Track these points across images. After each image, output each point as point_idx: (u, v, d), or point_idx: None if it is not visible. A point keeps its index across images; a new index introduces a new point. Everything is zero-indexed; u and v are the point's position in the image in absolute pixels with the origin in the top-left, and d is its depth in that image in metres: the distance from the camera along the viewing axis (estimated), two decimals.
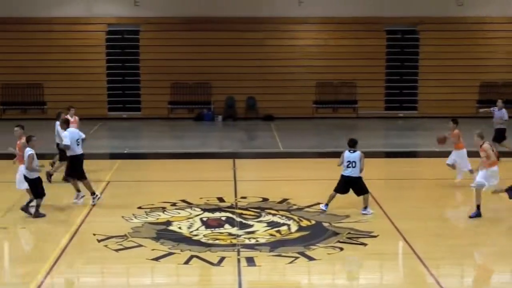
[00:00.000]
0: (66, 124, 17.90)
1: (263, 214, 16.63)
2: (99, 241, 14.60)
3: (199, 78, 32.82)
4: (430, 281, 12.55)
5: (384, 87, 33.80)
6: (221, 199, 17.93)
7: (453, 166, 19.52)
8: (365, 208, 16.55)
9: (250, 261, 13.43)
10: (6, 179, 20.23)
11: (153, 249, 14.07)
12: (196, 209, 17.05)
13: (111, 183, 19.98)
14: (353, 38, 33.16)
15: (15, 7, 31.97)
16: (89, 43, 32.46)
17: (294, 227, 15.62)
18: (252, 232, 15.24)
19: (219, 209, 17.06)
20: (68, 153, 17.78)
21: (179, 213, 16.64)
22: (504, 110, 23.14)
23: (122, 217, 16.32)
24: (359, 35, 33.13)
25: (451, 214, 17.35)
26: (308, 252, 13.88)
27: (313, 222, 16.01)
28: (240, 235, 15.05)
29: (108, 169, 22.21)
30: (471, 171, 18.83)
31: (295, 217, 16.32)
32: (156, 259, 13.55)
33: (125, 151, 25.09)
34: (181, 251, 13.97)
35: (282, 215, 16.50)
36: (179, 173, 21.65)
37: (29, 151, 16.12)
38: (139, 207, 17.12)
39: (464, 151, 19.13)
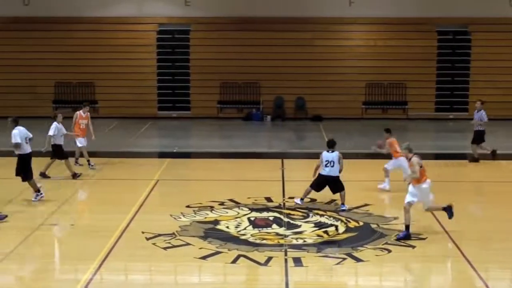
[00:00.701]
0: (15, 123, 17.57)
1: (310, 214, 16.61)
2: (147, 239, 14.73)
3: (248, 78, 32.90)
4: (479, 285, 12.40)
5: (435, 89, 33.47)
6: (269, 199, 17.95)
7: (385, 171, 18.98)
8: (343, 204, 16.99)
9: (297, 261, 13.43)
10: (61, 176, 20.56)
11: (200, 248, 14.15)
12: (244, 208, 17.09)
13: (160, 182, 20.14)
14: (403, 39, 32.91)
15: (69, 6, 32.39)
16: (140, 42, 32.75)
17: (341, 228, 15.57)
18: (300, 233, 15.23)
19: (267, 209, 17.09)
20: (18, 152, 17.66)
21: (227, 212, 16.71)
22: (483, 112, 22.84)
23: (171, 215, 16.44)
24: (410, 35, 32.88)
25: (502, 217, 17.09)
26: (355, 254, 13.83)
27: (361, 223, 15.94)
28: (288, 235, 15.05)
29: (157, 167, 22.39)
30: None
31: (343, 218, 16.27)
32: (204, 257, 13.62)
33: (174, 150, 25.25)
34: (229, 250, 14.02)
35: (330, 216, 16.46)
36: (227, 173, 21.73)
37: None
38: (188, 206, 17.23)
39: (401, 159, 18.10)
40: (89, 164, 21.43)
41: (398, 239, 14.52)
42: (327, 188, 17.06)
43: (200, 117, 32.56)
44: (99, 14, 32.58)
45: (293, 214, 16.60)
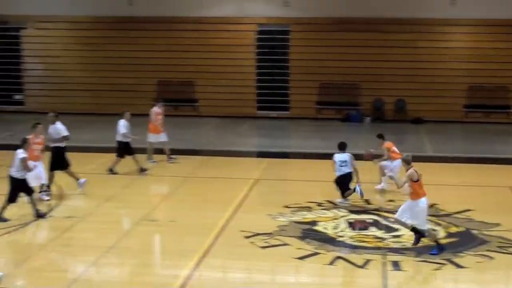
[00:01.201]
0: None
1: None
2: (246, 237, 14.83)
3: (348, 79, 32.71)
4: None
5: None
6: (367, 201, 17.81)
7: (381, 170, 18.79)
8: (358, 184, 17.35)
9: (396, 265, 13.27)
10: (162, 173, 20.97)
11: (298, 248, 14.16)
12: (342, 210, 17.01)
13: (259, 181, 20.25)
14: (507, 41, 32.07)
15: (172, 7, 32.95)
16: (240, 42, 33.02)
17: (441, 233, 15.29)
18: (398, 236, 15.05)
19: (366, 211, 16.96)
20: (61, 144, 18.31)
21: (325, 214, 16.66)
22: None
23: (269, 215, 16.51)
24: None
25: None
26: (455, 259, 13.56)
27: (462, 229, 15.62)
28: (386, 239, 14.90)
29: (256, 167, 22.53)
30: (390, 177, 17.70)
31: (443, 223, 15.98)
32: (301, 258, 13.62)
33: (273, 150, 25.35)
34: (326, 251, 13.98)
35: (430, 220, 16.18)
36: (325, 173, 21.55)
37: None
38: (286, 206, 17.27)
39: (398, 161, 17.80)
40: (169, 158, 22.19)
41: (432, 254, 13.74)
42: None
43: (299, 118, 32.57)
44: (201, 14, 33.00)
45: (392, 218, 16.40)
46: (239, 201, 17.79)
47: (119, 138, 20.58)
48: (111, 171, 20.53)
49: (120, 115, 20.80)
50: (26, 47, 33.54)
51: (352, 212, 16.83)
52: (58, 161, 18.28)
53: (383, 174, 18.62)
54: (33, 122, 17.97)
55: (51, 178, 18.26)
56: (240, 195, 18.44)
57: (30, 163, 16.04)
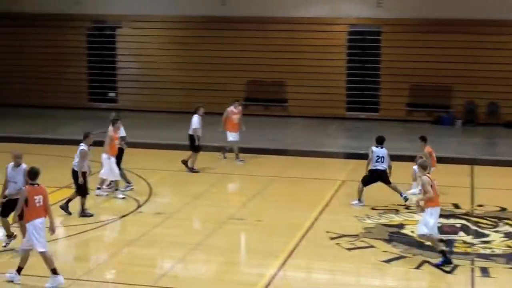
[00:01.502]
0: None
1: (500, 224, 16.04)
2: (331, 238, 14.81)
3: (440, 81, 32.18)
4: None
5: None
6: (456, 206, 17.52)
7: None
8: (402, 193, 17.55)
9: (484, 271, 13.01)
10: (250, 173, 21.11)
11: (384, 251, 14.05)
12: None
13: (345, 182, 20.16)
14: None
15: (265, 7, 33.12)
16: (330, 43, 32.91)
17: None
18: (488, 242, 14.75)
19: (454, 216, 16.68)
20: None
21: (412, 217, 16.45)
22: None
23: (355, 216, 16.44)
24: None
25: None
26: None
27: None
28: (475, 244, 14.62)
29: (343, 168, 22.45)
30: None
31: None
32: (387, 261, 13.51)
33: (361, 152, 25.15)
34: (413, 255, 13.82)
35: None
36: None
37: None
38: (373, 208, 17.15)
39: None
40: (237, 158, 22.29)
41: (437, 266, 13.19)
42: None
43: (388, 119, 32.23)
44: (293, 14, 33.04)
45: (482, 223, 16.10)
46: (325, 202, 17.78)
47: (190, 132, 20.93)
48: (192, 169, 20.81)
49: (195, 111, 21.06)
50: (120, 46, 34.29)
51: (440, 216, 16.56)
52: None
53: (415, 179, 18.24)
54: (113, 118, 18.44)
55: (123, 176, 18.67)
56: (327, 196, 18.42)
57: (86, 162, 16.23)
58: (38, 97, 33.86)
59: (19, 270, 12.30)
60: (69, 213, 16.25)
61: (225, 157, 22.59)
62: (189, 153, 21.16)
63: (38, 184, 12.38)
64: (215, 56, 32.97)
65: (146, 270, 13.06)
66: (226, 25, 33.26)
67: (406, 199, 17.50)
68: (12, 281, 12.23)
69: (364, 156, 24.47)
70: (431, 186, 13.39)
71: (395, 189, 17.65)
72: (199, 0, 33.71)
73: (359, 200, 17.53)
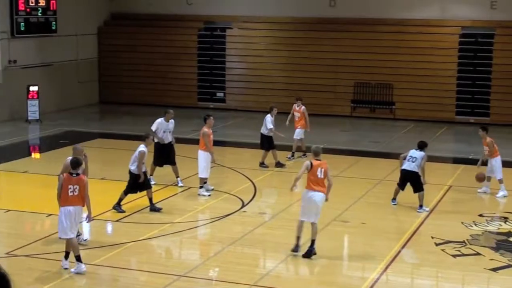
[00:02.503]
0: None
1: None
2: (436, 244, 14.57)
3: None
4: None
5: None
6: None
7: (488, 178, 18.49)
8: (420, 206, 17.04)
9: None
10: (354, 175, 20.98)
11: (491, 259, 13.72)
12: None
13: (452, 188, 19.79)
14: None
15: (375, 8, 32.88)
16: (441, 45, 32.32)
17: None
18: None
19: None
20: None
21: None
22: None
23: (462, 223, 16.11)
24: None
25: None
26: None
27: None
28: None
29: (451, 173, 22.02)
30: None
31: None
32: (494, 269, 13.19)
33: (470, 157, 24.63)
34: None
35: None
36: None
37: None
38: (480, 215, 16.77)
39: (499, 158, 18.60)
40: (292, 156, 22.65)
41: None
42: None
43: (500, 124, 31.39)
44: (404, 16, 32.64)
45: None
46: (431, 207, 17.49)
47: (264, 131, 21.51)
48: (263, 164, 21.42)
49: (269, 111, 21.80)
50: (229, 46, 34.71)
51: None
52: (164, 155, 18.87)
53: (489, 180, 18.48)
54: (205, 115, 18.75)
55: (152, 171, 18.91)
56: (433, 200, 18.12)
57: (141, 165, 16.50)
58: (149, 95, 34.63)
59: (78, 259, 12.75)
60: (122, 211, 16.58)
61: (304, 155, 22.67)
62: (281, 153, 21.57)
63: (77, 174, 12.79)
64: (322, 57, 32.93)
65: (248, 269, 13.18)
66: (335, 26, 33.17)
67: (422, 211, 17.03)
68: (79, 273, 12.65)
69: (474, 162, 24.04)
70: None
71: (420, 198, 17.17)
72: (308, 1, 33.76)
73: (393, 199, 17.61)
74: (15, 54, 30.03)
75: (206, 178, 18.27)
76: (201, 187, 18.21)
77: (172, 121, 19.05)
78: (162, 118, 19.01)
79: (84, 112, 32.07)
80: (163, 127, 18.88)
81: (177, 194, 18.41)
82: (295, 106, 23.47)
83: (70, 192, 12.72)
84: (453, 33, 32.30)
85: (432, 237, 14.97)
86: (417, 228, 15.73)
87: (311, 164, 13.80)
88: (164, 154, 18.84)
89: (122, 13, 36.08)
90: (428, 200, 17.91)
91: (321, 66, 32.89)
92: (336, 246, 14.98)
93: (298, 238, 13.90)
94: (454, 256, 13.91)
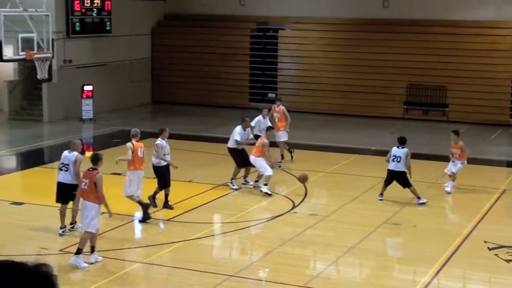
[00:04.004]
0: None
1: None
2: (489, 249, 14.37)
3: None
4: None
5: None
6: None
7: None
8: (419, 198, 17.45)
9: None
10: None
11: None
12: None
13: (506, 192, 19.49)
14: None
15: (429, 9, 32.56)
16: (496, 47, 31.86)
17: None
18: None
19: None
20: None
21: None
22: None
23: None
24: None
25: None
26: None
27: None
28: None
29: (505, 177, 21.70)
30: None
31: None
32: None
33: None
34: None
35: None
36: None
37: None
38: None
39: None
40: (282, 159, 21.92)
41: None
42: None
43: None
44: (458, 17, 32.26)
45: None
46: (484, 211, 17.26)
47: (231, 144, 19.55)
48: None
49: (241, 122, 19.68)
50: (281, 47, 34.71)
51: None
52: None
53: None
54: (243, 116, 18.86)
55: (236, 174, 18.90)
56: (486, 205, 17.87)
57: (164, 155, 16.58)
58: (201, 95, 34.82)
59: (78, 252, 13.08)
60: (155, 205, 16.65)
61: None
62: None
63: (93, 169, 13.14)
64: (375, 59, 32.74)
65: (299, 271, 13.17)
66: (388, 27, 32.94)
67: (422, 203, 17.49)
68: (96, 261, 13.05)
69: None
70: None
71: (413, 192, 17.53)
72: (361, 2, 33.59)
73: (381, 194, 17.91)
74: (70, 54, 30.49)
75: (270, 176, 18.31)
76: (265, 184, 18.26)
77: (248, 129, 19.23)
78: (240, 127, 19.04)
79: (136, 112, 32.40)
80: (244, 136, 18.99)
81: (228, 194, 18.47)
82: (274, 106, 22.85)
83: (83, 185, 13.17)
84: (508, 34, 31.82)
85: (485, 242, 14.76)
86: (470, 232, 15.53)
87: None
88: (243, 156, 18.96)
89: (175, 13, 36.38)
90: (481, 204, 17.69)
91: (374, 67, 32.70)
92: (387, 249, 14.89)
93: None
94: (508, 261, 13.70)
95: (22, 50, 24.33)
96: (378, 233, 15.46)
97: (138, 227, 15.77)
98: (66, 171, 14.61)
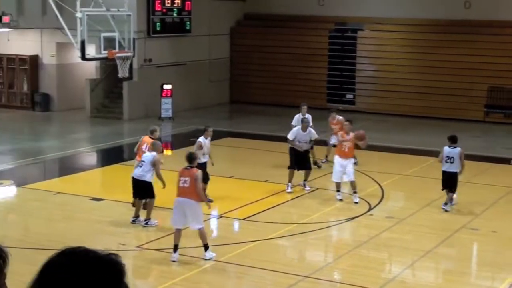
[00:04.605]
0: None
1: None
2: None
3: None
4: None
5: None
6: None
7: None
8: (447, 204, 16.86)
9: None
10: (484, 182, 20.44)
11: None
12: None
13: None
14: None
15: (504, 10, 31.91)
16: None
17: None
18: None
19: None
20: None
21: None
22: None
23: None
24: None
25: None
26: None
27: None
28: None
29: None
30: None
31: None
32: None
33: None
34: None
35: None
36: None
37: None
38: None
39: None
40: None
41: None
42: None
43: None
44: None
45: None
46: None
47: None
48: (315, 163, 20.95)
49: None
50: (360, 48, 34.49)
51: None
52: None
53: None
54: (348, 120, 18.68)
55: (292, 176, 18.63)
56: None
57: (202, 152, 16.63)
58: (278, 95, 34.87)
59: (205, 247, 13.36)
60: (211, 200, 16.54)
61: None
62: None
63: (191, 167, 13.25)
64: (455, 60, 32.23)
65: (373, 273, 13.09)
66: (469, 28, 32.38)
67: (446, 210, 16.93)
68: (210, 259, 13.20)
69: None
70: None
71: (451, 199, 17.05)
72: (442, 3, 33.11)
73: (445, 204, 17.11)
74: (151, 53, 30.96)
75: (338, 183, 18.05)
76: (355, 192, 17.81)
77: (309, 129, 19.03)
78: (299, 128, 18.95)
79: (215, 111, 32.67)
80: (300, 137, 18.85)
81: (304, 194, 18.47)
82: (330, 119, 21.81)
83: (182, 183, 13.21)
84: None
85: None
86: None
87: None
88: (298, 160, 18.82)
89: (254, 13, 36.55)
90: None
91: (454, 69, 32.19)
92: (465, 254, 14.65)
93: None
94: None
95: (104, 49, 24.84)
96: (455, 237, 15.23)
97: (213, 225, 15.91)
98: (141, 167, 14.96)
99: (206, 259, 13.29)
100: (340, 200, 17.74)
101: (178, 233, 13.34)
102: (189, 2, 32.17)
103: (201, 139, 17.02)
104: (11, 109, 32.10)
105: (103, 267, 2.58)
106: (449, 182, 16.91)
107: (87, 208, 17.09)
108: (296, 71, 34.78)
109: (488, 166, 22.39)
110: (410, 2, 33.60)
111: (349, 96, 34.58)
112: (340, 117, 21.29)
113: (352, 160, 17.87)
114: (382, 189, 19.07)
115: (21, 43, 31.96)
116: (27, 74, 32.06)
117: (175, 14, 31.70)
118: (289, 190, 18.49)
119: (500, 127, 29.87)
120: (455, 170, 16.83)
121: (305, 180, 18.85)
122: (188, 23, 32.36)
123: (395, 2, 33.84)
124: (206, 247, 13.32)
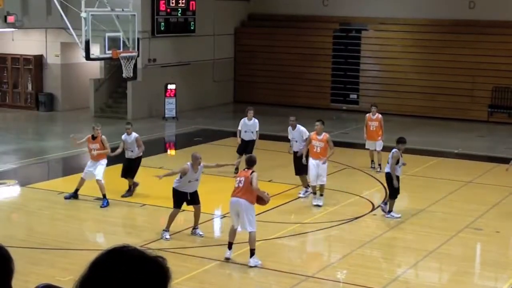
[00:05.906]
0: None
1: None
2: None
3: None
4: None
5: None
6: None
7: None
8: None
9: None
10: (488, 182, 20.45)
11: None
12: None
13: None
14: None
15: (509, 10, 31.93)
16: None
17: None
18: None
19: None
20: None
21: None
22: None
23: None
24: None
25: None
26: None
27: None
28: None
29: None
30: None
31: None
32: None
33: None
34: None
35: None
36: None
37: None
38: None
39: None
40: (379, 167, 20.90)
41: None
42: None
43: None
44: None
45: None
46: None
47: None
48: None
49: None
50: (364, 48, 34.47)
51: None
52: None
53: None
54: (319, 120, 18.57)
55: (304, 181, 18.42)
56: None
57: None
58: (282, 95, 34.89)
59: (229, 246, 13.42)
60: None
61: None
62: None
63: (247, 169, 13.49)
64: (460, 60, 32.21)
65: (377, 273, 13.10)
66: (473, 29, 32.35)
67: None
68: (254, 266, 13.07)
69: None
70: None
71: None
72: (446, 3, 33.08)
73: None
74: (155, 53, 30.98)
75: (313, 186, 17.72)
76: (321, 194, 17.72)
77: (297, 128, 18.86)
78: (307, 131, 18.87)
79: (219, 111, 32.69)
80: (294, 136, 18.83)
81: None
82: (370, 115, 21.72)
83: (237, 183, 13.35)
84: None
85: None
86: None
87: None
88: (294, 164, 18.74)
89: (258, 13, 36.56)
90: None
91: (458, 69, 32.17)
92: (468, 254, 14.65)
93: None
94: None
95: (109, 49, 24.86)
96: (459, 237, 15.24)
97: (217, 225, 15.93)
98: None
99: (250, 266, 13.09)
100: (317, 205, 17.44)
101: (232, 231, 13.34)
102: (193, 2, 32.20)
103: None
104: (15, 109, 32.18)
105: (149, 269, 2.62)
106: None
107: (91, 207, 17.13)
108: (300, 71, 34.78)
109: (492, 166, 22.37)
110: (414, 2, 33.57)
111: (353, 96, 34.57)
112: (380, 115, 21.54)
113: (325, 161, 17.46)
114: (385, 188, 19.06)
115: (26, 43, 32.03)
116: (31, 74, 32.12)
117: (179, 14, 31.72)
118: (302, 195, 18.26)
119: (504, 127, 29.84)
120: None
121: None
122: (193, 23, 32.39)
123: (399, 2, 33.82)
124: (252, 253, 13.16)
